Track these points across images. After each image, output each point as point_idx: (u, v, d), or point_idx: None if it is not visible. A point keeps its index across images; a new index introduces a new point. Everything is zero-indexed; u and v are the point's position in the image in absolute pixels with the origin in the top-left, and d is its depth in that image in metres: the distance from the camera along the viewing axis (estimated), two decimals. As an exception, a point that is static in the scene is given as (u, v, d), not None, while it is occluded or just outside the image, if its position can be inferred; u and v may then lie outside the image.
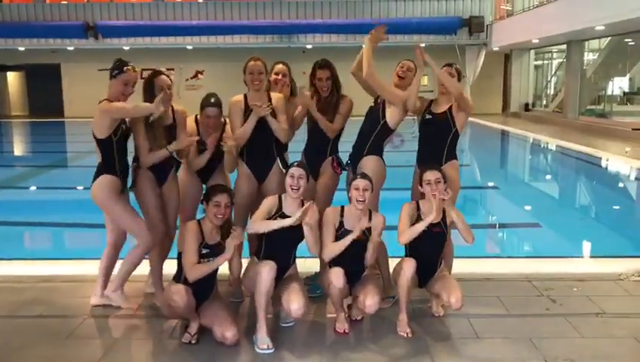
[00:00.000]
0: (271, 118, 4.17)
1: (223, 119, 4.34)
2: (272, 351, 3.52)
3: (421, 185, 3.93)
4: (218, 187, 3.84)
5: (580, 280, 4.66)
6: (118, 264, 4.27)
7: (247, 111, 4.19)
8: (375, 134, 4.33)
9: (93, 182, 4.01)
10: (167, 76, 4.13)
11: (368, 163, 4.30)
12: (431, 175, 3.88)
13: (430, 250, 3.96)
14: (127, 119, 4.07)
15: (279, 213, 3.81)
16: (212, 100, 4.21)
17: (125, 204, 4.12)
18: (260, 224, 3.76)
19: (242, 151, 4.31)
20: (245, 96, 4.27)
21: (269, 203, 3.84)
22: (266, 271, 3.58)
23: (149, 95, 4.01)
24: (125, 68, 3.85)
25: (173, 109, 4.17)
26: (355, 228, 3.73)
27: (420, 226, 3.81)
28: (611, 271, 4.88)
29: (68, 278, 4.73)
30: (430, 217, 3.79)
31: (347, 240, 3.75)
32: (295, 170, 3.81)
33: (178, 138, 4.13)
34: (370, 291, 3.77)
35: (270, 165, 4.33)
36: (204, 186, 4.36)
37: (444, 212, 3.92)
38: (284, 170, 4.25)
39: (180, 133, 4.16)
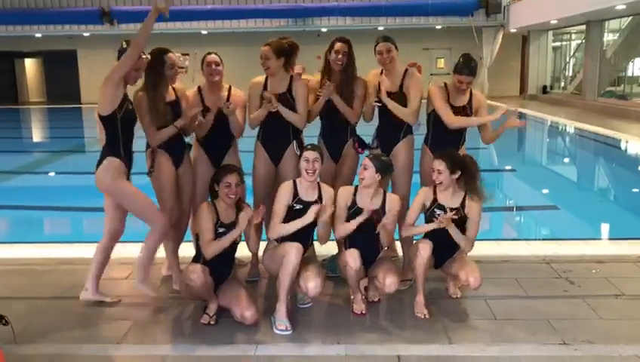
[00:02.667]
0: (283, 108, 4.15)
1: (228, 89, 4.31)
2: (290, 332, 3.54)
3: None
4: (227, 167, 3.85)
5: (599, 262, 4.63)
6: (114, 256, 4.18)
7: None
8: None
9: (97, 167, 3.82)
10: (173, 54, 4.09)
11: (401, 152, 4.32)
12: (438, 164, 3.85)
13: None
14: (132, 100, 3.93)
15: (296, 199, 3.81)
16: (212, 53, 4.26)
17: (133, 186, 3.91)
18: (279, 230, 3.77)
19: (259, 133, 4.35)
20: (266, 79, 4.28)
21: (284, 194, 3.81)
22: (294, 252, 3.60)
23: (156, 70, 3.93)
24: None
25: (174, 88, 4.14)
26: (364, 209, 3.73)
27: (424, 228, 3.88)
28: (630, 253, 4.85)
29: (88, 261, 4.77)
30: (433, 225, 3.81)
31: (356, 222, 3.75)
32: (310, 154, 3.79)
33: (182, 113, 4.11)
34: (388, 271, 3.78)
35: (285, 147, 4.31)
36: None
37: (464, 197, 3.89)
38: (297, 153, 4.23)
39: (184, 108, 4.15)
